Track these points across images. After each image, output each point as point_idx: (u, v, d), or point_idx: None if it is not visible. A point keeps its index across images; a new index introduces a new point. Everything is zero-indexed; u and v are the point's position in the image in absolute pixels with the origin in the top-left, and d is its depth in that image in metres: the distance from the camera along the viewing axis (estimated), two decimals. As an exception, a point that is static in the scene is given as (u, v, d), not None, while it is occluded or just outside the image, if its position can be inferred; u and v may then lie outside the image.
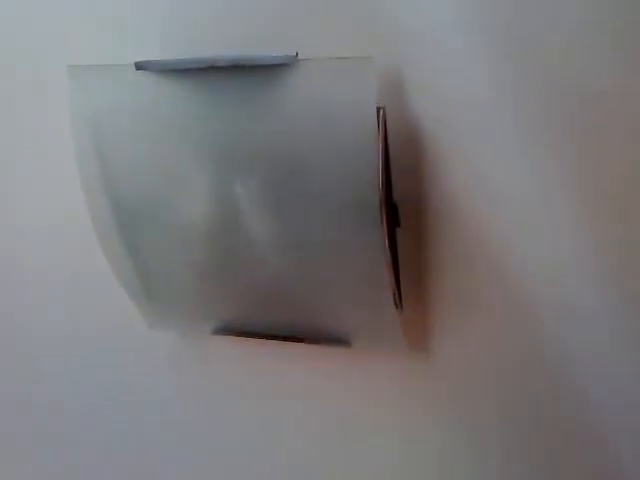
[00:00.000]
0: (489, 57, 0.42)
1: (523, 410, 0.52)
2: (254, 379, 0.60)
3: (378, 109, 0.41)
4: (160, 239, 0.51)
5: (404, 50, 0.43)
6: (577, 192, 0.43)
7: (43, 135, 0.56)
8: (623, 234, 0.44)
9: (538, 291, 0.47)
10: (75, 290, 0.62)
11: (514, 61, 0.41)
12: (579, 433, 0.51)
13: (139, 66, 0.45)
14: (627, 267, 0.44)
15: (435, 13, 0.42)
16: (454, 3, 0.41)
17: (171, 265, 0.52)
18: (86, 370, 0.67)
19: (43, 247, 0.62)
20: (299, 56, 0.41)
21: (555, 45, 0.40)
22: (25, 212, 0.60)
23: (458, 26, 0.41)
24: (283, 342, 0.53)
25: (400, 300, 0.48)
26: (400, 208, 0.47)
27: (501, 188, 0.45)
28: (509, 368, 0.51)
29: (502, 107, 0.43)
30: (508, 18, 0.40)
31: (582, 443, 0.51)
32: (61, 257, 0.61)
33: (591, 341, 0.47)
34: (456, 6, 0.41)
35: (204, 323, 0.55)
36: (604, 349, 0.47)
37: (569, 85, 0.41)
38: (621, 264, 0.44)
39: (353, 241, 0.45)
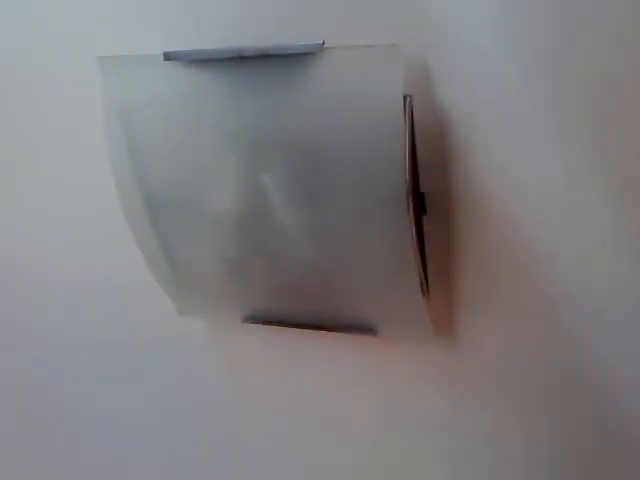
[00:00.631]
0: (521, 50, 0.41)
1: (550, 395, 0.52)
2: (282, 367, 0.61)
3: (405, 97, 0.41)
4: (191, 229, 0.51)
5: (432, 38, 0.43)
6: (606, 189, 0.43)
7: (62, 134, 0.57)
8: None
9: (563, 281, 0.47)
10: (106, 276, 0.63)
11: (547, 55, 0.41)
12: (602, 419, 0.51)
13: (167, 56, 0.45)
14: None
15: (466, 2, 0.41)
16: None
17: (201, 255, 0.53)
18: (115, 359, 0.68)
19: (72, 247, 0.63)
20: (325, 44, 0.41)
21: (589, 40, 0.40)
22: (48, 211, 0.62)
23: (490, 17, 0.41)
24: (311, 331, 0.54)
25: (427, 287, 0.48)
26: (427, 196, 0.47)
27: (528, 180, 0.45)
28: (533, 355, 0.50)
29: (532, 101, 0.42)
30: (543, 12, 0.40)
31: (607, 430, 0.51)
32: (89, 254, 0.62)
33: (612, 328, 0.47)
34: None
35: (233, 311, 0.56)
36: (625, 334, 0.47)
37: (602, 82, 0.40)
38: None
39: (380, 229, 0.45)
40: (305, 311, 0.53)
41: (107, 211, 0.56)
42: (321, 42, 0.41)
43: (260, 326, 0.56)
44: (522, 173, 0.45)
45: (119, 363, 0.69)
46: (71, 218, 0.59)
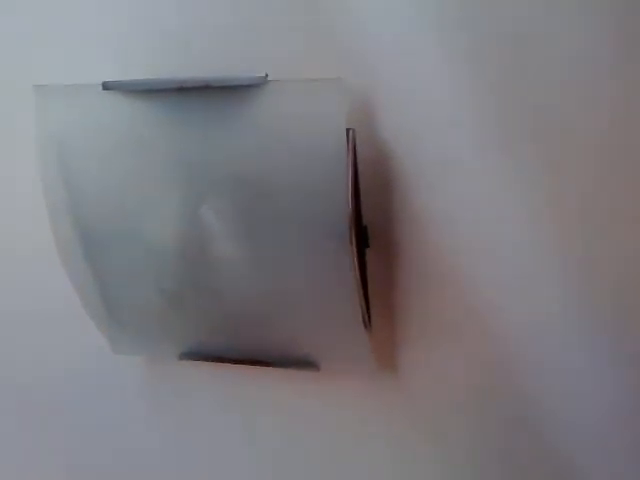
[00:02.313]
0: (461, 80, 0.42)
1: (491, 428, 0.52)
2: (222, 404, 0.59)
3: (348, 130, 0.42)
4: (128, 264, 0.50)
5: (374, 72, 0.44)
6: (546, 214, 0.44)
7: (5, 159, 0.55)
8: (587, 251, 0.44)
9: (506, 310, 0.48)
10: (38, 316, 0.61)
11: (489, 84, 0.42)
12: (547, 450, 0.51)
13: (106, 86, 0.44)
14: (594, 289, 0.45)
15: (405, 35, 0.42)
16: (425, 26, 0.42)
17: (138, 289, 0.51)
18: (50, 396, 0.65)
19: (6, 270, 0.60)
20: (269, 77, 0.42)
21: (533, 69, 0.41)
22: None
23: (432, 53, 0.42)
24: (251, 366, 0.53)
25: (369, 320, 0.48)
26: (369, 229, 0.47)
27: (470, 210, 0.45)
28: (477, 386, 0.51)
29: (474, 136, 0.43)
30: (483, 40, 0.41)
31: (550, 460, 0.51)
32: (24, 282, 0.60)
33: (559, 358, 0.48)
34: (427, 29, 0.42)
35: (170, 348, 0.55)
36: (573, 365, 0.48)
37: (548, 113, 0.42)
38: (588, 284, 0.45)
39: (322, 262, 0.45)
40: (245, 346, 0.52)
41: (39, 242, 0.54)
42: (264, 75, 0.42)
43: (198, 362, 0.54)
44: (460, 208, 0.46)
45: (48, 399, 0.66)
46: (33, 241, 0.56)
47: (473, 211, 0.45)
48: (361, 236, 0.46)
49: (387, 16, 0.42)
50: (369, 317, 0.48)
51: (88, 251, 0.50)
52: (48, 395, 0.65)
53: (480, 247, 0.46)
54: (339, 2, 0.43)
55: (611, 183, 0.42)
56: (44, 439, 0.68)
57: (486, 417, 0.52)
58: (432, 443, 0.54)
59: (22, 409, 0.67)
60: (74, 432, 0.66)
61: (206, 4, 0.46)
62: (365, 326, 0.47)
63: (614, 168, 0.42)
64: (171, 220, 0.47)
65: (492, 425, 0.52)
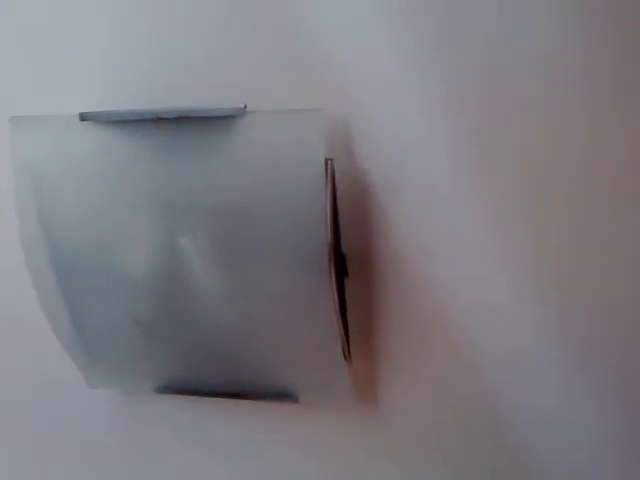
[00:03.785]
0: (440, 113, 0.43)
1: (471, 460, 0.52)
2: (199, 438, 0.58)
3: (326, 161, 0.42)
4: (103, 295, 0.49)
5: (353, 102, 0.44)
6: (525, 247, 0.45)
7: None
8: (564, 287, 0.45)
9: (484, 342, 0.48)
10: (11, 347, 0.60)
11: (468, 117, 0.43)
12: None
13: (84, 117, 0.44)
14: (571, 316, 0.45)
15: (385, 67, 0.43)
16: (405, 58, 0.42)
17: (114, 322, 0.50)
18: (25, 432, 0.64)
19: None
20: (247, 108, 0.42)
21: (514, 103, 0.42)
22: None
23: (408, 84, 0.43)
24: (229, 399, 0.52)
25: (349, 350, 0.48)
26: (348, 259, 0.47)
27: (448, 241, 0.46)
28: (457, 419, 0.51)
29: (449, 166, 0.44)
30: (462, 72, 0.42)
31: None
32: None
33: (536, 391, 0.48)
34: (406, 61, 0.42)
35: (147, 381, 0.54)
36: (550, 399, 0.48)
37: (528, 149, 0.42)
38: (564, 314, 0.45)
39: (301, 292, 0.45)
40: (222, 378, 0.52)
41: (12, 273, 0.53)
42: (243, 105, 0.42)
43: (175, 396, 0.54)
44: (439, 239, 0.46)
45: (22, 433, 0.64)
46: (8, 271, 0.55)
47: (451, 242, 0.46)
48: (340, 265, 0.46)
49: (366, 47, 0.43)
50: (348, 347, 0.48)
51: (63, 283, 0.50)
52: (18, 426, 0.64)
53: (458, 278, 0.47)
54: (318, 33, 0.43)
55: (589, 218, 0.43)
56: (13, 470, 0.66)
57: (466, 449, 0.51)
58: (412, 476, 0.54)
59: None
60: (44, 463, 0.65)
61: (185, 35, 0.46)
62: (345, 357, 0.47)
63: (591, 201, 0.42)
64: (148, 251, 0.47)
65: (472, 457, 0.52)
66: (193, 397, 0.53)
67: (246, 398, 0.52)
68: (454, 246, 0.46)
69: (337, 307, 0.44)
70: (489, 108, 0.42)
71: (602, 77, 0.40)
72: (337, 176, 0.44)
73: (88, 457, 0.63)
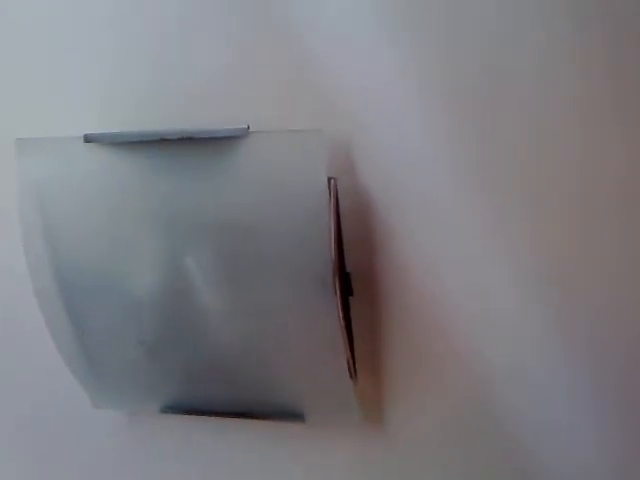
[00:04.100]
0: (442, 129, 0.43)
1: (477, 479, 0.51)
2: (203, 458, 0.58)
3: (329, 180, 0.42)
4: (108, 315, 0.49)
5: (354, 121, 0.44)
6: (530, 260, 0.44)
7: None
8: (570, 296, 0.45)
9: (491, 358, 0.47)
10: (15, 364, 0.60)
11: (471, 133, 0.43)
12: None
13: (88, 138, 0.45)
14: (576, 326, 0.45)
15: (385, 85, 0.43)
16: (404, 75, 0.43)
17: (119, 342, 0.50)
18: (29, 450, 0.64)
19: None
20: (250, 129, 0.42)
21: (517, 115, 0.42)
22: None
23: (409, 103, 0.43)
24: (234, 419, 0.52)
25: (355, 370, 0.48)
26: (352, 277, 0.47)
27: (452, 257, 0.46)
28: (464, 439, 0.50)
29: (452, 184, 0.44)
30: (459, 87, 0.42)
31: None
32: (5, 330, 0.59)
33: (544, 407, 0.48)
34: (407, 78, 0.43)
35: (152, 401, 0.53)
36: (556, 410, 0.48)
37: (530, 165, 0.42)
38: (569, 324, 0.45)
39: (306, 311, 0.45)
40: (227, 398, 0.51)
41: (17, 291, 0.53)
42: (246, 126, 0.42)
43: (180, 416, 0.53)
44: (440, 252, 0.46)
45: (25, 451, 0.64)
46: (15, 291, 0.55)
47: (455, 256, 0.46)
48: (345, 284, 0.46)
49: (367, 65, 0.43)
50: (354, 366, 0.48)
51: (67, 303, 0.50)
52: (21, 444, 0.64)
53: (463, 292, 0.46)
54: (318, 53, 0.44)
55: (593, 228, 0.43)
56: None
57: (473, 468, 0.51)
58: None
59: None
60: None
61: (186, 57, 0.47)
62: (350, 376, 0.46)
63: (592, 203, 0.42)
64: (152, 270, 0.47)
65: (479, 476, 0.51)
66: (198, 417, 0.53)
67: (251, 417, 0.51)
68: (458, 260, 0.46)
69: (342, 326, 0.44)
70: (489, 123, 0.42)
71: (602, 78, 0.40)
72: (340, 194, 0.44)
73: (91, 476, 0.63)
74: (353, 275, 0.47)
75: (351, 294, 0.47)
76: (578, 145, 0.41)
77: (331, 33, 0.43)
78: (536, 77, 0.41)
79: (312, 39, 0.44)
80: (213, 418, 0.53)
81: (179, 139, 0.43)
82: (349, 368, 0.46)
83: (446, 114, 0.43)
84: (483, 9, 0.41)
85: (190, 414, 0.53)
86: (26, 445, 0.63)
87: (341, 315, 0.44)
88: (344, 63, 0.44)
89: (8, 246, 0.52)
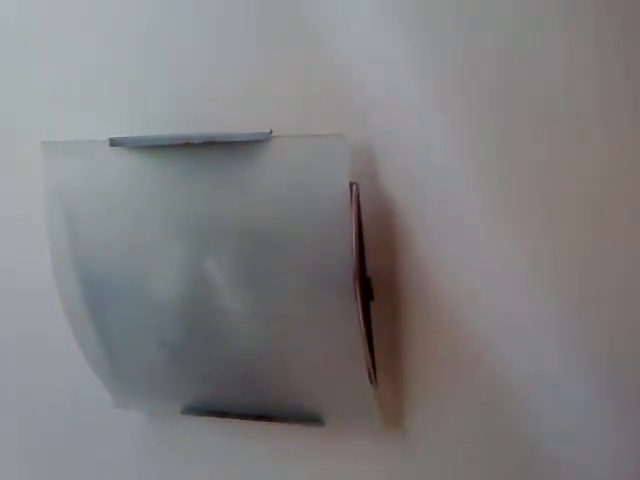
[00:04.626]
0: (460, 131, 0.43)
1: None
2: (224, 460, 0.58)
3: (351, 184, 0.42)
4: (131, 317, 0.50)
5: (378, 128, 0.44)
6: (548, 262, 0.44)
7: (12, 214, 0.56)
8: (589, 295, 0.44)
9: (511, 362, 0.47)
10: (40, 365, 0.60)
11: (486, 133, 0.43)
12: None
13: (113, 142, 0.45)
14: (595, 329, 0.45)
15: (409, 91, 0.43)
16: (426, 80, 0.43)
17: (141, 344, 0.51)
18: (51, 449, 0.64)
19: (9, 318, 0.60)
20: (273, 133, 0.42)
21: (533, 115, 0.42)
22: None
23: (430, 107, 0.43)
24: (254, 422, 0.52)
25: (375, 375, 0.48)
26: (373, 282, 0.47)
27: (474, 261, 0.46)
28: (484, 446, 0.50)
29: (472, 180, 0.44)
30: (481, 92, 0.42)
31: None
32: (29, 329, 0.59)
33: (564, 413, 0.47)
34: (428, 83, 0.43)
35: (173, 402, 0.54)
36: (576, 415, 0.47)
37: (545, 161, 0.42)
38: (588, 327, 0.45)
39: (327, 315, 0.45)
40: (248, 401, 0.52)
41: (42, 292, 0.54)
42: (269, 131, 0.42)
43: (200, 417, 0.54)
44: (461, 257, 0.46)
45: (48, 454, 0.65)
46: (40, 291, 0.56)
47: (476, 261, 0.45)
48: (365, 289, 0.46)
49: (388, 70, 0.43)
50: (375, 372, 0.48)
51: (91, 304, 0.50)
52: (46, 448, 0.64)
53: (484, 298, 0.46)
54: (340, 58, 0.44)
55: (611, 229, 0.43)
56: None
57: (493, 474, 0.51)
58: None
59: (20, 458, 0.66)
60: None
61: (209, 62, 0.47)
62: (371, 381, 0.46)
63: (617, 214, 0.42)
64: (175, 273, 0.47)
65: (503, 477, 0.51)
66: (218, 419, 0.53)
67: (271, 420, 0.51)
68: (479, 265, 0.46)
69: (363, 330, 0.44)
70: (511, 124, 0.42)
71: (625, 90, 0.40)
72: (361, 199, 0.44)
73: (112, 476, 0.63)
74: (374, 280, 0.47)
75: (372, 298, 0.47)
76: (599, 146, 0.41)
77: (353, 37, 0.44)
78: (563, 79, 0.41)
79: (334, 43, 0.44)
80: (232, 420, 0.53)
81: (202, 143, 0.44)
82: (369, 373, 0.46)
83: (467, 118, 0.43)
84: (503, 9, 0.40)
85: (210, 415, 0.53)
86: (45, 443, 0.64)
87: (362, 320, 0.44)
88: (365, 67, 0.44)
89: (31, 248, 0.53)
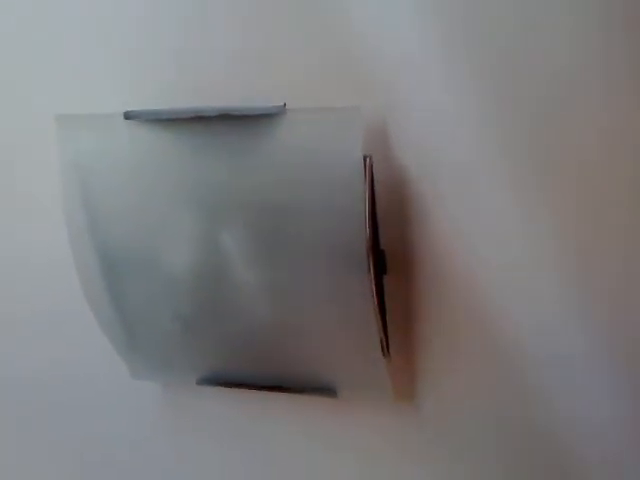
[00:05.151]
0: (479, 106, 0.43)
1: (512, 460, 0.51)
2: (238, 430, 0.59)
3: (365, 157, 0.42)
4: (146, 289, 0.50)
5: (391, 99, 0.44)
6: (562, 238, 0.44)
7: (28, 186, 0.56)
8: (607, 279, 0.44)
9: (524, 339, 0.47)
10: (57, 337, 0.61)
11: (509, 107, 0.42)
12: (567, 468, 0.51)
13: (128, 115, 0.45)
14: (611, 314, 0.45)
15: (424, 63, 0.43)
16: (443, 54, 0.42)
17: (156, 315, 0.51)
18: (69, 418, 0.66)
19: (27, 292, 0.61)
20: (286, 106, 0.42)
21: (544, 95, 0.41)
22: (7, 258, 0.60)
23: (444, 79, 0.43)
24: (269, 392, 0.53)
25: (387, 348, 0.48)
26: (387, 256, 0.47)
27: (488, 233, 0.45)
28: (497, 418, 0.50)
29: (487, 159, 0.44)
30: (498, 71, 0.41)
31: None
32: (46, 303, 0.60)
33: (578, 391, 0.47)
34: (444, 57, 0.42)
35: (188, 373, 0.55)
36: (591, 395, 0.47)
37: (557, 136, 0.42)
38: (604, 310, 0.45)
39: (340, 289, 0.45)
40: (262, 372, 0.52)
41: (58, 266, 0.55)
42: (282, 104, 0.42)
43: (215, 388, 0.55)
44: (478, 231, 0.45)
45: (65, 425, 0.66)
46: (56, 264, 0.57)
47: (492, 234, 0.45)
48: (379, 262, 0.46)
49: (403, 41, 0.43)
50: (387, 344, 0.48)
51: (107, 276, 0.51)
52: (64, 418, 0.66)
53: (500, 272, 0.46)
54: (354, 30, 0.43)
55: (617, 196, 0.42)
56: (58, 462, 0.68)
57: (505, 447, 0.51)
58: (453, 472, 0.54)
59: (36, 431, 0.68)
60: (88, 456, 0.67)
61: (220, 34, 0.47)
62: (383, 354, 0.47)
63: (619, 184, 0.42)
64: (189, 246, 0.47)
65: (510, 454, 0.51)
66: (233, 389, 0.54)
67: (285, 391, 0.52)
68: (496, 239, 0.45)
69: (376, 303, 0.44)
70: (526, 97, 0.41)
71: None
72: (375, 172, 0.44)
73: (127, 446, 0.65)
74: (387, 253, 0.47)
75: (385, 272, 0.47)
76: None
77: (366, 7, 0.43)
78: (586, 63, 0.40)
79: (346, 13, 0.43)
80: (246, 391, 0.53)
81: (216, 116, 0.44)
82: (382, 345, 0.46)
83: (483, 87, 0.42)
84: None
85: (225, 386, 0.54)
86: (60, 414, 0.65)
87: (374, 293, 0.44)
88: (379, 38, 0.43)
89: (47, 223, 0.54)
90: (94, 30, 0.50)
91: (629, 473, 0.48)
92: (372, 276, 0.43)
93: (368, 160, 0.43)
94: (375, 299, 0.44)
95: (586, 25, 0.39)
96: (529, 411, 0.49)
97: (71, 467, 0.68)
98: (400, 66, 0.43)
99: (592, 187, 0.42)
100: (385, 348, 0.47)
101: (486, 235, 0.45)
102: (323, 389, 0.51)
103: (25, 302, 0.61)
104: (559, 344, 0.46)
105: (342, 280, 0.44)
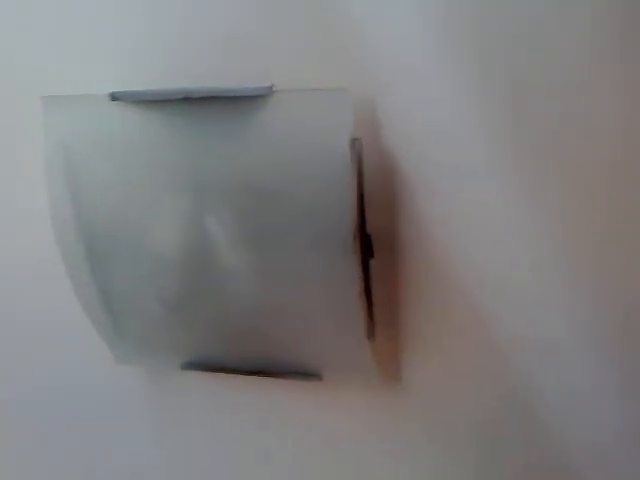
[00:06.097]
0: (468, 90, 0.43)
1: (498, 443, 0.52)
2: (223, 415, 0.59)
3: (353, 140, 0.42)
4: (130, 272, 0.50)
5: (380, 81, 0.44)
6: (551, 223, 0.44)
7: (12, 168, 0.56)
8: (601, 263, 0.44)
9: (512, 322, 0.48)
10: (41, 322, 0.61)
11: (498, 92, 0.42)
12: (553, 466, 0.51)
13: (114, 96, 0.45)
14: (602, 302, 0.45)
15: (413, 45, 0.43)
16: (432, 36, 0.42)
17: (141, 298, 0.51)
18: (51, 405, 0.65)
19: (8, 276, 0.60)
20: (274, 87, 0.42)
21: (545, 75, 0.41)
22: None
23: (438, 63, 0.43)
24: (253, 377, 0.53)
25: (373, 331, 0.48)
26: (374, 239, 0.47)
27: (477, 220, 0.46)
28: (482, 400, 0.51)
29: (480, 138, 0.44)
30: (491, 49, 0.42)
31: (555, 471, 0.51)
32: (27, 288, 0.60)
33: (566, 375, 0.48)
34: (435, 39, 0.42)
35: (173, 358, 0.54)
36: (579, 385, 0.48)
37: (560, 119, 0.42)
38: (595, 298, 0.45)
39: (326, 271, 0.45)
40: (247, 356, 0.52)
41: (41, 251, 0.54)
42: (270, 85, 0.42)
43: (200, 373, 0.55)
44: (467, 217, 0.46)
45: (49, 411, 0.65)
46: (38, 248, 0.56)
47: (480, 221, 0.46)
48: (365, 246, 0.46)
49: (392, 23, 0.43)
50: (373, 328, 0.48)
51: (92, 259, 0.50)
52: (47, 405, 0.65)
53: (487, 257, 0.46)
54: (342, 11, 0.43)
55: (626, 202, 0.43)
56: (43, 449, 0.68)
57: (492, 427, 0.52)
58: (437, 455, 0.54)
59: (20, 419, 0.67)
60: (73, 442, 0.66)
61: (209, 15, 0.46)
62: (368, 337, 0.47)
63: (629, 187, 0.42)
64: (174, 228, 0.47)
65: (498, 440, 0.52)
66: (218, 374, 0.54)
67: (270, 375, 0.52)
68: (482, 225, 0.46)
69: (362, 287, 0.45)
70: (520, 84, 0.42)
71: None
72: (364, 155, 0.44)
73: (113, 431, 0.64)
74: (374, 237, 0.47)
75: (372, 256, 0.47)
76: None
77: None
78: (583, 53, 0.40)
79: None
80: (231, 375, 0.53)
81: (203, 97, 0.43)
82: (367, 329, 0.47)
83: (475, 73, 0.42)
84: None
85: (210, 371, 0.54)
86: (43, 400, 0.65)
87: (361, 277, 0.44)
88: (369, 19, 0.43)
89: (32, 205, 0.53)
90: (83, 12, 0.49)
91: (618, 460, 0.49)
92: (358, 259, 0.44)
93: (357, 143, 0.43)
94: (361, 281, 0.44)
95: (589, 24, 0.39)
96: (516, 392, 0.49)
97: (54, 451, 0.68)
98: (391, 48, 0.43)
99: (585, 185, 0.43)
100: (371, 331, 0.47)
101: (474, 219, 0.46)
102: (308, 372, 0.51)
103: (5, 282, 0.61)
104: (548, 329, 0.47)
105: (328, 262, 0.44)
